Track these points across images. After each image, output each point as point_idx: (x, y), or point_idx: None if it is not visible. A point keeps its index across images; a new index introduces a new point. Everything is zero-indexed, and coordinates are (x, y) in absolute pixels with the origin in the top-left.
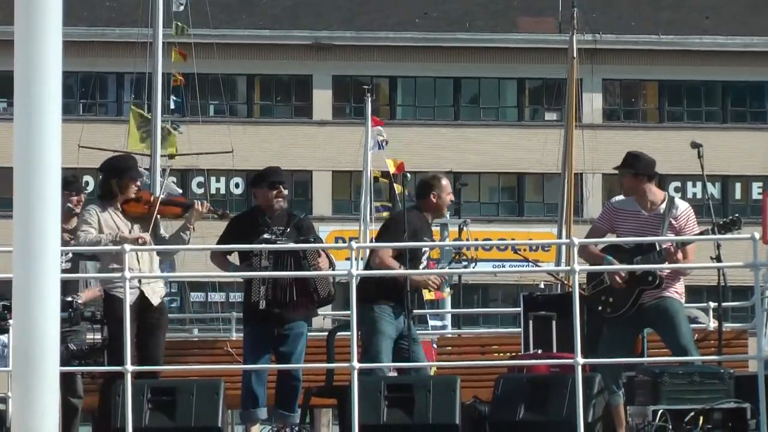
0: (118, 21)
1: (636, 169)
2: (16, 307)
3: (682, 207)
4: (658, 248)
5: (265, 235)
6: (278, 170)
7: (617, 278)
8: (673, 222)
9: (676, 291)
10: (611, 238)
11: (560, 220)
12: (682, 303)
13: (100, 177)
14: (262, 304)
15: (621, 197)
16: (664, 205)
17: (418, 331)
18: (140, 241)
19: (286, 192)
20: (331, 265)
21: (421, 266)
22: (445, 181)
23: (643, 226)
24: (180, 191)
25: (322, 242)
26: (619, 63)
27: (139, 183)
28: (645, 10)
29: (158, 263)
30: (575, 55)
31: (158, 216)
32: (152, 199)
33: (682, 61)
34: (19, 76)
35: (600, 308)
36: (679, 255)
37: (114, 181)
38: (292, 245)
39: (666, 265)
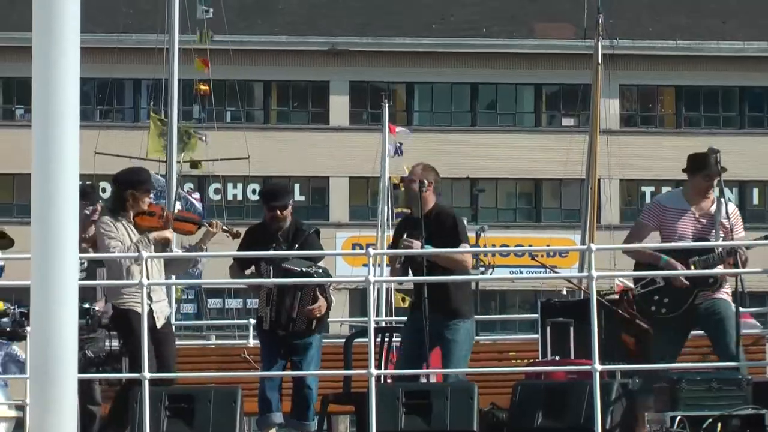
0: (135, 27)
1: (714, 170)
2: (34, 314)
3: (731, 208)
4: (716, 250)
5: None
6: (278, 193)
7: (681, 279)
8: (724, 222)
9: (726, 292)
10: (637, 244)
11: (583, 225)
12: (732, 305)
13: (112, 189)
14: (266, 325)
15: (666, 195)
16: (713, 207)
17: None
18: (168, 242)
19: (287, 211)
20: (328, 307)
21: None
22: (417, 169)
23: (694, 226)
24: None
25: (327, 273)
26: (636, 69)
27: (152, 195)
28: (662, 15)
29: (167, 277)
30: (600, 62)
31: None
32: (165, 213)
33: (699, 67)
34: (37, 83)
35: (653, 308)
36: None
37: (130, 192)
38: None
39: (688, 271)
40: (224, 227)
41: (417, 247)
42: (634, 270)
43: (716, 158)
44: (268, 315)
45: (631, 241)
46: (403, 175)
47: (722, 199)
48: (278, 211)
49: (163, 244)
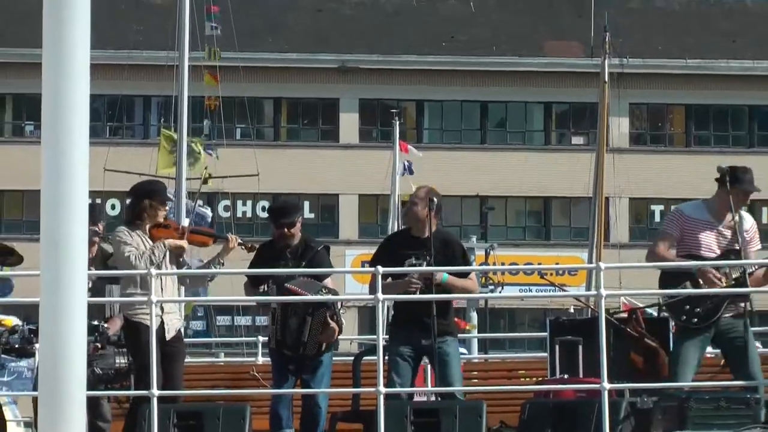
0: (145, 44)
1: (753, 188)
2: (42, 330)
3: (750, 221)
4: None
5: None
6: (286, 210)
7: (716, 280)
8: (745, 235)
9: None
10: (635, 263)
11: (591, 244)
12: (749, 326)
13: (129, 200)
14: (272, 343)
15: (689, 205)
16: (736, 217)
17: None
18: (182, 250)
19: (295, 229)
20: (339, 330)
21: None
22: (422, 192)
23: (717, 239)
24: (210, 215)
25: (335, 292)
26: (645, 87)
27: (167, 208)
28: (672, 34)
29: (182, 293)
30: (606, 80)
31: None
32: (180, 226)
33: (709, 85)
34: (47, 99)
35: (684, 318)
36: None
37: (146, 202)
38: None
39: (698, 290)
40: (240, 241)
41: (437, 278)
42: (660, 280)
43: (725, 177)
44: (274, 334)
45: (657, 252)
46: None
47: (742, 212)
48: (286, 229)
49: (177, 254)
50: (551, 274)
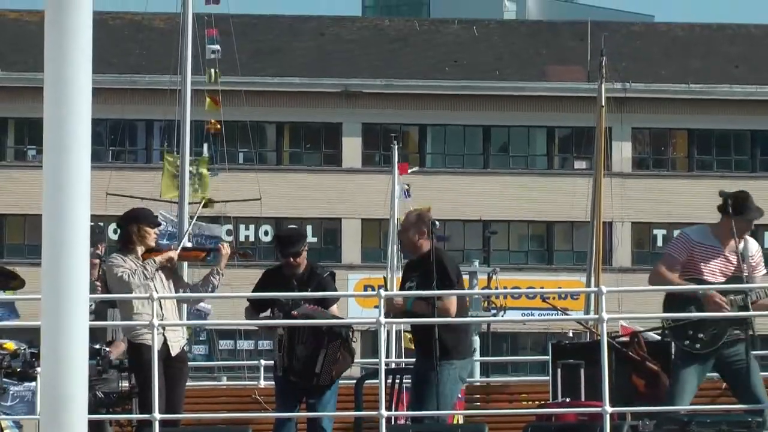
0: (147, 68)
1: (757, 215)
2: (44, 354)
3: (755, 246)
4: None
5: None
6: (292, 240)
7: (716, 299)
8: (751, 261)
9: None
10: (637, 287)
11: (589, 268)
12: (750, 350)
13: (120, 229)
14: (279, 371)
15: (695, 230)
16: (741, 245)
17: None
18: (171, 263)
19: (301, 258)
20: (351, 359)
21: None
22: (412, 217)
23: (724, 266)
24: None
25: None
26: (648, 112)
27: (157, 231)
28: (674, 59)
29: (184, 309)
30: (603, 104)
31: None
32: (172, 248)
33: (712, 110)
34: (49, 123)
35: (687, 342)
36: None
37: (134, 227)
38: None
39: (700, 314)
40: (234, 248)
41: (398, 305)
42: (664, 304)
43: (727, 201)
44: (280, 361)
45: (662, 275)
46: None
47: (747, 237)
48: (292, 258)
49: (170, 268)
50: (553, 298)
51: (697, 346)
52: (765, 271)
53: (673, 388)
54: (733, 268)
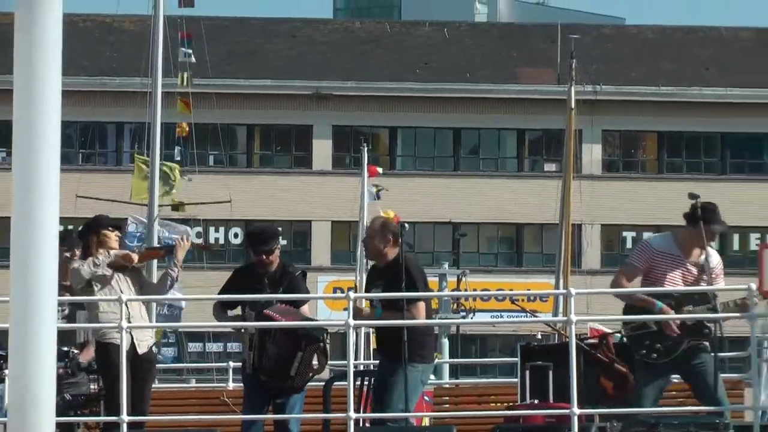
0: (118, 71)
1: (722, 227)
2: (12, 357)
3: (717, 258)
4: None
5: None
6: (264, 238)
7: (673, 327)
8: (712, 272)
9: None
10: (605, 290)
11: (558, 270)
12: (710, 352)
13: (81, 243)
14: (249, 369)
15: (658, 238)
16: (702, 257)
17: None
18: (127, 260)
19: (273, 256)
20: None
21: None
22: (376, 225)
23: (685, 276)
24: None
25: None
26: (618, 114)
27: (118, 234)
28: (645, 61)
29: (153, 309)
30: (573, 106)
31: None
32: (135, 250)
33: (682, 113)
34: (18, 126)
35: (644, 352)
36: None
37: (93, 237)
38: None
39: (660, 316)
40: (193, 241)
41: (365, 314)
42: (624, 313)
43: (696, 203)
44: (250, 359)
45: (621, 283)
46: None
47: (710, 249)
48: (264, 256)
49: (134, 269)
50: (522, 300)
51: (654, 356)
52: (723, 284)
53: (636, 396)
54: (692, 279)
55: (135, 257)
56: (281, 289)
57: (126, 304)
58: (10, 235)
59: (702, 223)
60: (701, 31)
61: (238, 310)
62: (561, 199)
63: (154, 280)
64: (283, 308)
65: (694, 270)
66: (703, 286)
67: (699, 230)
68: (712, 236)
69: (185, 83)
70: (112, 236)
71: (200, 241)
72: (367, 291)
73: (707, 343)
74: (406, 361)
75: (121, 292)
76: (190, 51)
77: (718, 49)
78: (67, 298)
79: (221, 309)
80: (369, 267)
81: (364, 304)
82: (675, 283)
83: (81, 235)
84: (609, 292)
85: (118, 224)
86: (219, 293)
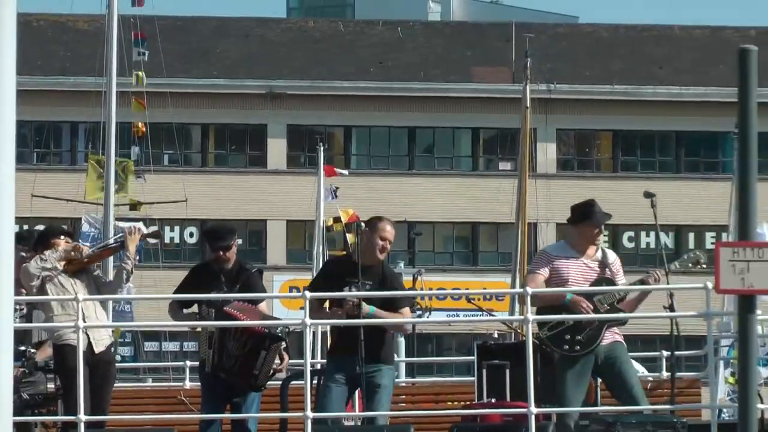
0: (72, 70)
1: (601, 219)
2: None
3: (613, 256)
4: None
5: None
6: (222, 234)
7: (582, 304)
8: (611, 269)
9: (619, 334)
10: (566, 288)
11: (514, 269)
12: (625, 348)
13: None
14: (208, 368)
15: (553, 245)
16: (599, 253)
17: None
18: (77, 251)
19: (231, 252)
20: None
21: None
22: (381, 224)
23: (586, 273)
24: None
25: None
26: (573, 113)
27: (68, 239)
28: (599, 60)
29: (109, 308)
30: (528, 105)
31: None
32: (84, 252)
33: (636, 111)
34: None
35: (567, 347)
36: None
37: (39, 249)
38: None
39: (626, 314)
40: (142, 231)
41: (364, 310)
42: (538, 314)
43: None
44: (210, 358)
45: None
46: (335, 216)
47: (606, 249)
48: (221, 252)
49: (75, 253)
50: (479, 299)
51: (577, 348)
52: (624, 281)
53: (563, 393)
54: (595, 275)
55: (85, 248)
56: (238, 287)
57: (81, 305)
58: None
59: (582, 222)
60: (655, 29)
61: (194, 309)
62: (517, 198)
63: (110, 277)
64: (242, 306)
65: (596, 266)
66: (608, 279)
67: (582, 227)
68: (599, 230)
69: (139, 82)
70: (61, 243)
71: (152, 229)
72: (340, 286)
73: (621, 337)
74: (363, 362)
75: (76, 293)
76: (145, 50)
77: (672, 47)
78: (24, 297)
79: (178, 308)
80: (331, 260)
81: (361, 306)
82: (578, 281)
83: (34, 249)
84: (564, 291)
85: (69, 231)
86: (175, 292)
